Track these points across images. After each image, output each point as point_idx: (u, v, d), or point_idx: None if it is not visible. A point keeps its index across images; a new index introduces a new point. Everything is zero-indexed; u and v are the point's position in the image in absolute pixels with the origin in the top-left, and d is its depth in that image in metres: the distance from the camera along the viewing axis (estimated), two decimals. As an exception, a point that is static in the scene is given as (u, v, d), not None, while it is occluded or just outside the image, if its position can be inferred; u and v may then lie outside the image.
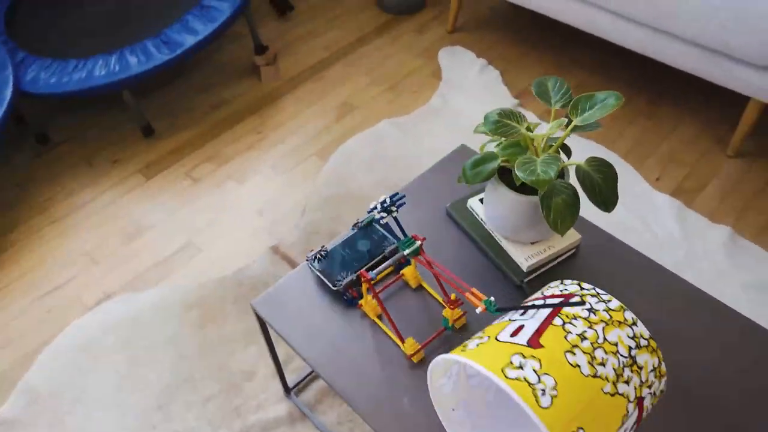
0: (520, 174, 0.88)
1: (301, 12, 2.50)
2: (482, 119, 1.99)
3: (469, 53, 2.26)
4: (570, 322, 0.66)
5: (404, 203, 0.98)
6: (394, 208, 0.95)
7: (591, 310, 0.68)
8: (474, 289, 0.85)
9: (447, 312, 1.01)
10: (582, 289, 0.72)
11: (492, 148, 1.17)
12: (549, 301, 0.71)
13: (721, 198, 1.74)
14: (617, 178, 0.94)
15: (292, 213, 1.75)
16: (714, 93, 2.05)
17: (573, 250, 1.12)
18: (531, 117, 2.00)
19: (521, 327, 0.67)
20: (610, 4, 1.81)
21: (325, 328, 1.04)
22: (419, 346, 0.98)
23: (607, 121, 1.98)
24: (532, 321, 0.68)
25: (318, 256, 1.09)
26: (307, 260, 1.11)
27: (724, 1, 1.58)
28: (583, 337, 0.64)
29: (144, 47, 1.86)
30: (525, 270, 1.07)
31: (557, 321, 0.66)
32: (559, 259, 1.11)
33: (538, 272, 1.09)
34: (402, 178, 1.81)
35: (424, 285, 1.07)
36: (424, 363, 0.98)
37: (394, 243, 1.10)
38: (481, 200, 1.16)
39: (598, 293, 0.71)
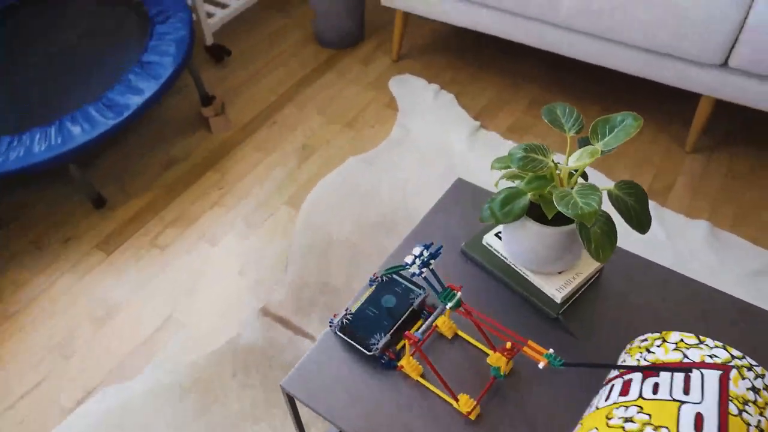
0: (562, 209, 0.85)
1: (238, 56, 2.41)
2: (448, 144, 1.97)
3: (419, 80, 2.25)
4: (744, 410, 0.61)
5: (440, 253, 0.93)
6: (432, 261, 0.89)
7: (754, 389, 0.64)
8: (531, 342, 0.81)
9: (495, 359, 0.96)
10: (733, 357, 0.67)
11: (506, 183, 1.14)
12: (707, 374, 0.64)
13: (692, 194, 1.79)
14: (647, 198, 0.93)
15: (275, 269, 1.65)
16: (664, 94, 2.13)
17: (597, 274, 1.10)
18: (494, 136, 2.01)
19: (700, 416, 0.61)
20: (558, 18, 1.84)
21: (366, 397, 0.96)
22: (475, 402, 0.92)
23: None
24: (706, 406, 0.62)
25: (344, 321, 1.02)
26: (330, 326, 1.03)
27: (671, 10, 1.64)
28: (760, 429, 0.60)
29: (86, 114, 1.72)
30: (559, 302, 1.04)
31: (733, 408, 0.61)
32: (586, 285, 1.09)
33: (569, 302, 1.06)
34: (382, 215, 1.76)
35: (461, 334, 1.02)
36: (482, 419, 0.92)
37: (420, 294, 1.04)
38: (497, 235, 1.13)
39: (752, 365, 0.66)
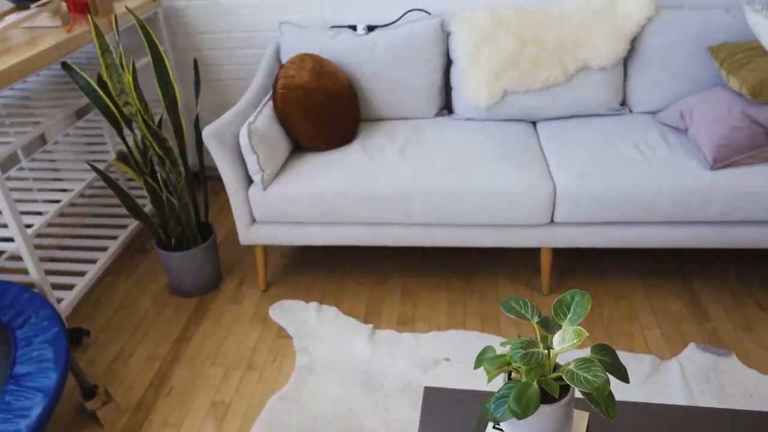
0: (578, 386, 1.00)
1: (99, 332, 2.25)
2: (354, 354, 2.03)
3: (297, 302, 2.33)
4: None
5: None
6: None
7: None
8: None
9: None
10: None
11: (500, 380, 1.26)
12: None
13: (569, 328, 2.10)
14: (616, 353, 1.13)
15: None
16: (513, 252, 2.51)
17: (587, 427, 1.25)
18: (391, 333, 2.14)
19: None
20: (411, 220, 2.14)
21: None
22: None
23: (442, 307, 2.24)
24: None
25: None
26: None
27: (499, 193, 2.04)
28: None
29: (-33, 460, 1.45)
30: (578, 467, 1.15)
31: None
32: (583, 441, 1.22)
33: (581, 462, 1.18)
34: (329, 448, 1.72)
35: None
36: None
37: None
38: (495, 427, 1.22)
39: None
